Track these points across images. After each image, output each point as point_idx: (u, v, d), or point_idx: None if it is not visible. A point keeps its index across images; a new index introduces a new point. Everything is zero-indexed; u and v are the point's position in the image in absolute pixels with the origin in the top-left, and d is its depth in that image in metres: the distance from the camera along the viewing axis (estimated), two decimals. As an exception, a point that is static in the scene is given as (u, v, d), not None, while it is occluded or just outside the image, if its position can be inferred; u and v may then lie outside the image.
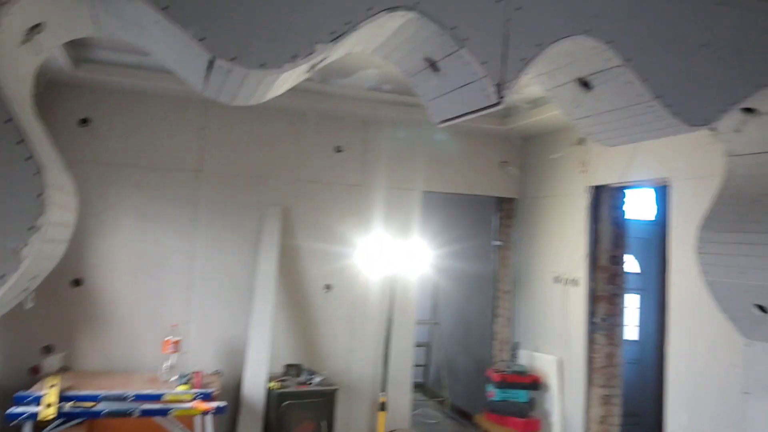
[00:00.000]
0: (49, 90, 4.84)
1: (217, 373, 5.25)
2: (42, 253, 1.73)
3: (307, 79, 3.17)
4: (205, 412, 3.89)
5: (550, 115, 5.09)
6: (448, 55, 2.17)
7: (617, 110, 2.48)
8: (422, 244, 5.68)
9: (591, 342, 5.37)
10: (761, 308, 2.63)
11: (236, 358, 5.23)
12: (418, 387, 8.61)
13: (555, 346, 5.72)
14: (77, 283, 5.05)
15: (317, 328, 5.64)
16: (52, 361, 4.98)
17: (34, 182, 1.63)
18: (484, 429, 5.81)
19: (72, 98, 5.03)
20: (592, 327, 5.35)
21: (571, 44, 2.30)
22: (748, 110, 2.71)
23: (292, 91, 2.56)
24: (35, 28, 1.83)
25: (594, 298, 5.32)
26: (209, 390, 4.44)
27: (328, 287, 5.66)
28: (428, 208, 9.17)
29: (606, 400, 5.36)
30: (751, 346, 3.24)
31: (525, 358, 6.08)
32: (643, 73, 2.28)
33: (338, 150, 5.72)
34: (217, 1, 1.85)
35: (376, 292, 5.70)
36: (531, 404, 5.71)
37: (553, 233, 5.85)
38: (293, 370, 5.33)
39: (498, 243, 6.73)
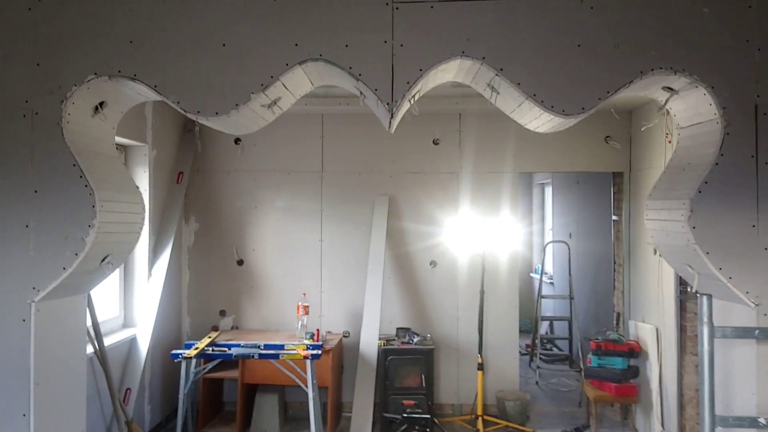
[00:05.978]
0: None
1: (345, 334, 6.49)
2: (105, 240, 2.97)
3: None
4: (305, 357, 5.07)
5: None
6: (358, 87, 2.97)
7: (517, 108, 3.00)
8: (513, 223, 6.21)
9: (683, 310, 5.44)
10: None
11: (360, 322, 6.38)
12: (565, 359, 8.96)
13: (653, 315, 5.84)
14: (240, 263, 6.65)
15: (426, 299, 6.53)
16: (227, 322, 6.68)
17: (90, 199, 2.88)
18: (586, 393, 6.16)
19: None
20: (684, 296, 5.41)
21: (459, 63, 2.91)
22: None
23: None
24: (101, 105, 3.08)
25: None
26: (319, 343, 5.66)
27: (433, 263, 6.51)
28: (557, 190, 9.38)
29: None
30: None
31: (632, 328, 6.25)
32: (514, 79, 2.80)
33: (435, 143, 6.52)
34: (184, 78, 2.92)
35: (473, 268, 6.41)
36: (631, 371, 5.90)
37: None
38: (402, 332, 6.31)
39: (615, 218, 6.88)
